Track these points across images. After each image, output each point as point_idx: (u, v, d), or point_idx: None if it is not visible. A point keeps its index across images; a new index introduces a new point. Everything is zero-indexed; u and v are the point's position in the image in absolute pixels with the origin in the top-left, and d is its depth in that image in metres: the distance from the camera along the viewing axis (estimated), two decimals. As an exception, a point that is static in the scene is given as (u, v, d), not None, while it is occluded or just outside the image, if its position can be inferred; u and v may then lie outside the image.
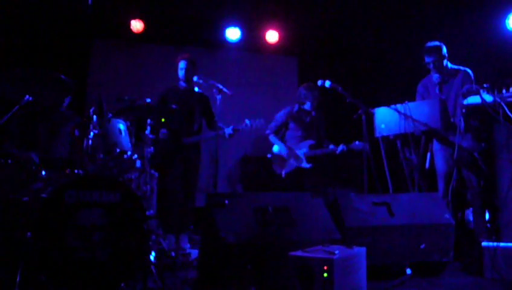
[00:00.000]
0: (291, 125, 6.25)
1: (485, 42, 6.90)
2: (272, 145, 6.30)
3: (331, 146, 6.03)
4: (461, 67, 5.20)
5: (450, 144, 4.79)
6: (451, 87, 5.15)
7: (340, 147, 5.95)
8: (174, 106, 5.19)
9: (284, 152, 6.17)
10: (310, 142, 6.13)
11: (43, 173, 3.86)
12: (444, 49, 5.18)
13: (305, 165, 6.05)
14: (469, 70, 5.16)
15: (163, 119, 5.12)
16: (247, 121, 5.50)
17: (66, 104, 4.72)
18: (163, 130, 5.52)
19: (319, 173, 6.21)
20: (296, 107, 6.23)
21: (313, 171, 6.09)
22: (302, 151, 6.10)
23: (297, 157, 6.11)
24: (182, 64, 5.84)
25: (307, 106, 6.15)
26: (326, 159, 6.20)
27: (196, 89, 5.90)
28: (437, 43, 5.20)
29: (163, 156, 5.41)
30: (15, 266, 3.10)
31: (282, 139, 6.27)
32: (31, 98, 4.03)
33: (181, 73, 5.83)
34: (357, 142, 5.87)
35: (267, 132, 6.29)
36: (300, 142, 6.16)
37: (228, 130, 5.46)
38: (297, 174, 6.11)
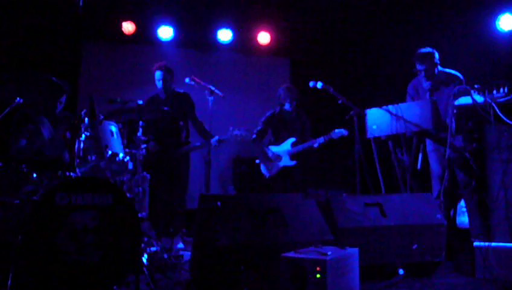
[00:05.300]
0: (275, 127, 6.32)
1: (476, 43, 6.94)
2: (259, 148, 6.35)
3: (312, 140, 6.06)
4: (452, 72, 5.16)
5: (443, 145, 4.81)
6: (442, 94, 5.12)
7: (319, 140, 5.97)
8: (166, 108, 5.18)
9: (268, 155, 6.22)
10: (292, 139, 6.18)
11: (35, 175, 3.85)
12: (437, 56, 5.14)
13: (290, 162, 6.11)
14: (461, 76, 5.11)
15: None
16: (231, 131, 5.45)
17: (61, 106, 4.72)
18: (152, 143, 5.40)
19: (306, 170, 6.26)
20: (278, 108, 6.32)
21: (300, 169, 6.15)
22: (285, 149, 6.16)
23: (280, 157, 6.16)
24: (158, 75, 5.69)
25: (287, 106, 6.23)
26: (312, 156, 6.23)
27: (179, 91, 5.85)
28: (429, 49, 5.15)
29: (151, 164, 5.35)
30: (6, 269, 3.09)
31: (269, 142, 6.34)
32: (21, 101, 4.02)
33: (159, 84, 5.69)
34: (336, 130, 5.92)
35: (253, 136, 6.33)
36: (284, 141, 6.22)
37: (214, 141, 5.40)
38: (284, 175, 6.16)
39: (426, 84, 5.18)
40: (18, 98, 4.02)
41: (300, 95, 6.29)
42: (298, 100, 6.26)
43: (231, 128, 5.43)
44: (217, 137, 5.39)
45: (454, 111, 4.32)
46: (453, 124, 4.34)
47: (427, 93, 5.21)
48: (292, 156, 6.14)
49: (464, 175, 4.75)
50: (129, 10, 7.37)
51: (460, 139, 4.54)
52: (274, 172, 6.20)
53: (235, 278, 3.32)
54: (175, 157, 5.63)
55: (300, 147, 6.12)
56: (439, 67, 5.19)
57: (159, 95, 5.77)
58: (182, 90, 5.84)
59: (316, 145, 5.98)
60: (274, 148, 6.24)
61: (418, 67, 5.15)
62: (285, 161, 6.15)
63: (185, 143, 5.75)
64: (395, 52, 7.35)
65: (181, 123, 5.75)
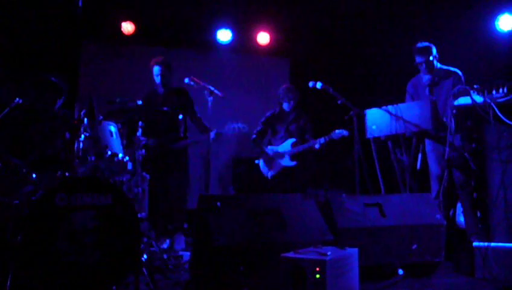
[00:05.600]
0: (275, 127, 6.34)
1: (476, 43, 6.94)
2: (259, 148, 6.36)
3: (312, 141, 6.06)
4: (451, 68, 5.20)
5: (442, 145, 4.82)
6: (442, 89, 5.16)
7: (319, 140, 5.97)
8: (165, 108, 5.18)
9: (268, 155, 6.23)
10: (292, 140, 6.18)
11: (34, 175, 3.85)
12: (434, 50, 5.19)
13: (290, 163, 6.11)
14: (459, 72, 5.16)
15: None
16: (228, 125, 5.45)
17: (59, 106, 4.71)
18: (151, 140, 5.35)
19: (306, 170, 6.27)
20: (278, 109, 6.35)
21: (300, 169, 6.16)
22: (285, 150, 6.17)
23: (281, 157, 6.16)
24: (156, 70, 5.68)
25: (285, 106, 6.25)
26: (312, 156, 6.24)
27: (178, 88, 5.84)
28: (427, 43, 5.21)
29: (150, 162, 5.34)
30: (5, 269, 3.08)
31: (269, 142, 6.35)
32: (21, 101, 4.02)
33: (157, 79, 5.69)
34: (336, 131, 5.92)
35: (253, 136, 6.36)
36: (284, 142, 6.22)
37: (212, 135, 5.39)
38: (285, 175, 6.16)
39: (426, 80, 5.19)
40: (17, 98, 4.02)
41: (301, 95, 6.29)
42: (297, 100, 6.26)
43: (229, 124, 5.43)
44: (215, 130, 5.39)
45: (454, 111, 4.32)
46: (452, 124, 4.35)
47: (427, 89, 5.22)
48: (292, 157, 6.14)
49: (461, 174, 4.77)
50: (128, 10, 7.37)
51: (458, 139, 4.55)
52: (275, 172, 6.20)
53: (235, 278, 3.32)
54: (173, 153, 5.62)
55: (300, 147, 6.12)
56: (438, 64, 5.22)
57: (157, 90, 5.76)
58: (179, 87, 5.81)
59: (317, 146, 5.97)
60: (274, 149, 6.24)
61: (418, 60, 5.18)
62: (286, 161, 6.15)
63: (183, 138, 5.74)
64: (394, 53, 7.35)
65: (179, 118, 5.72)
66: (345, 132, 5.89)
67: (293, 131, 6.27)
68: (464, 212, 4.83)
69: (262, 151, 6.29)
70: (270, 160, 6.24)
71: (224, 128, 5.38)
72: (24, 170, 3.83)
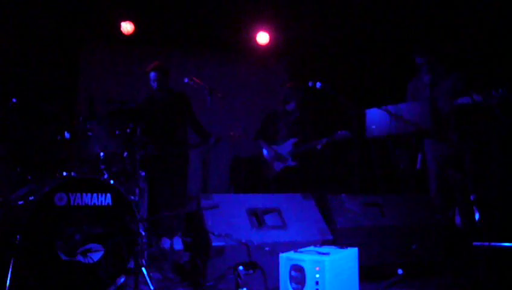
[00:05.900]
0: (278, 126, 6.29)
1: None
2: (261, 148, 6.34)
3: (314, 141, 6.03)
4: (452, 68, 5.21)
5: (441, 144, 4.82)
6: (443, 88, 5.16)
7: (322, 141, 5.93)
8: (165, 109, 5.17)
9: (269, 154, 6.21)
10: (294, 140, 6.15)
11: (34, 175, 3.85)
12: (434, 51, 5.19)
13: (291, 163, 6.09)
14: (460, 72, 5.17)
15: None
16: (228, 133, 5.45)
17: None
18: (150, 146, 5.35)
19: (307, 171, 6.25)
20: (280, 108, 6.29)
21: (301, 170, 6.13)
22: (286, 150, 6.14)
23: (282, 157, 6.14)
24: (152, 76, 5.66)
25: (291, 105, 6.20)
26: (313, 156, 6.22)
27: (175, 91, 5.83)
28: (427, 44, 5.22)
29: (150, 164, 5.32)
30: (5, 269, 3.08)
31: (271, 141, 6.32)
32: (15, 100, 4.02)
33: (154, 85, 5.65)
34: (339, 132, 5.87)
35: (254, 135, 6.33)
36: (286, 141, 6.19)
37: (211, 141, 5.42)
38: (286, 175, 6.14)
39: (426, 79, 5.19)
40: (14, 99, 4.02)
41: (307, 95, 6.24)
42: (304, 100, 6.22)
43: (228, 130, 5.43)
44: (214, 137, 5.40)
45: (454, 111, 4.33)
46: (452, 124, 4.35)
47: (427, 89, 5.22)
48: (294, 157, 6.11)
49: (455, 173, 4.77)
50: (129, 10, 7.37)
51: (456, 138, 4.56)
52: (275, 172, 6.18)
53: (234, 278, 3.32)
54: (173, 157, 5.62)
55: (302, 147, 6.09)
56: (439, 64, 5.22)
57: (154, 96, 5.74)
58: (177, 90, 5.81)
59: (319, 146, 5.93)
60: (275, 148, 6.22)
61: (418, 61, 5.18)
62: (287, 161, 6.13)
63: (182, 142, 5.74)
64: (394, 52, 7.35)
65: (178, 123, 5.72)
66: (347, 134, 5.82)
67: (296, 130, 6.23)
68: (459, 212, 4.84)
69: (260, 152, 6.27)
70: (267, 161, 6.22)
71: (223, 135, 5.36)
72: (24, 170, 3.83)
